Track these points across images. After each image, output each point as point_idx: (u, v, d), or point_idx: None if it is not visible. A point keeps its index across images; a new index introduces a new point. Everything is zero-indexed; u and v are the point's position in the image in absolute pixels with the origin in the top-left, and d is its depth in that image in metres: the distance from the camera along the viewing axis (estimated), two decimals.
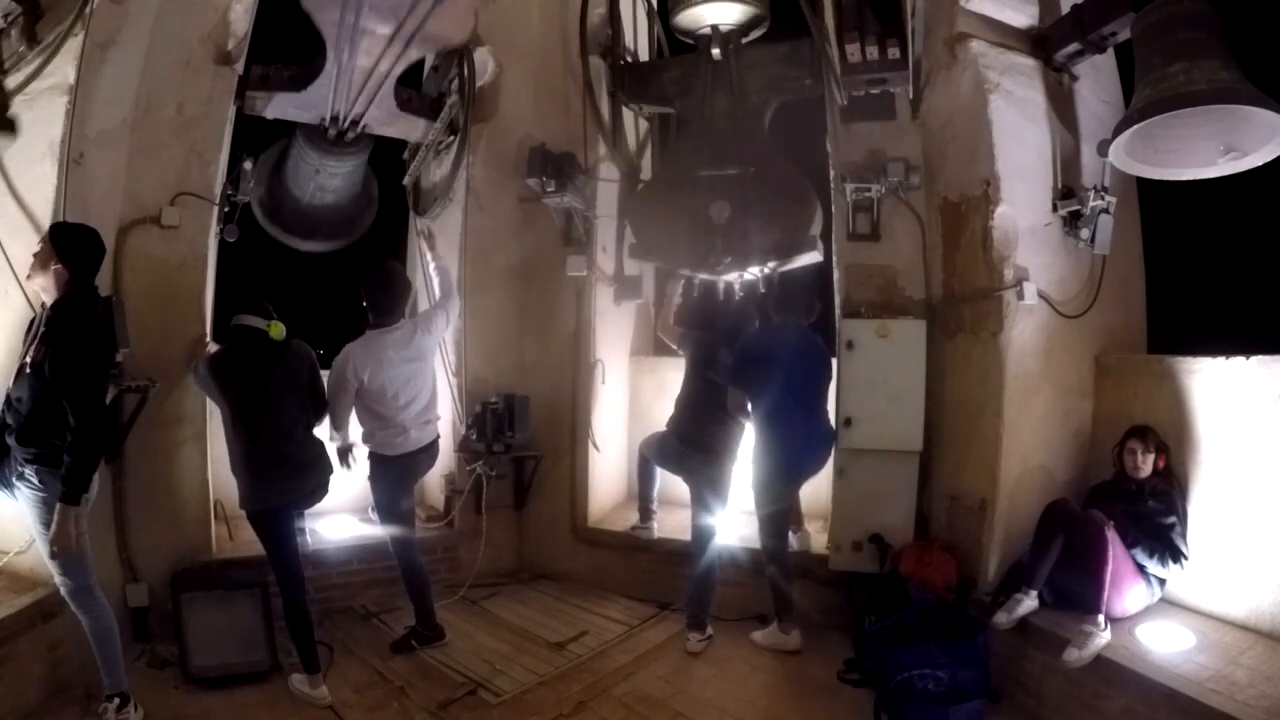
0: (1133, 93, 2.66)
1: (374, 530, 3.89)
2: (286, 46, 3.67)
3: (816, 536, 3.96)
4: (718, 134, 3.76)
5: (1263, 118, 2.37)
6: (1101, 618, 2.67)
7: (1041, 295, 3.25)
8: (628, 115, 4.34)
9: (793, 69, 3.75)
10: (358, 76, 3.57)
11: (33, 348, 2.48)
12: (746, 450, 3.64)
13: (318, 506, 3.37)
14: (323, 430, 3.30)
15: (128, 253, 3.30)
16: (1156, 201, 3.65)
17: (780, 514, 3.54)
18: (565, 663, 3.39)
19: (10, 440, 2.51)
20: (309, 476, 3.13)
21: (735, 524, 3.88)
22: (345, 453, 3.42)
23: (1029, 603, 2.88)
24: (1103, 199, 3.18)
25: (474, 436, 4.17)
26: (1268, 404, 2.76)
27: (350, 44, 3.38)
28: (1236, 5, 2.55)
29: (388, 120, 3.92)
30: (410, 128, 4.07)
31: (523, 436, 4.20)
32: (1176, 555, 2.89)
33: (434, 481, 4.50)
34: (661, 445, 3.89)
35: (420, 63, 4.10)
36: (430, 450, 3.54)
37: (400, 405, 3.34)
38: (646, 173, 4.58)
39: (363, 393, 3.28)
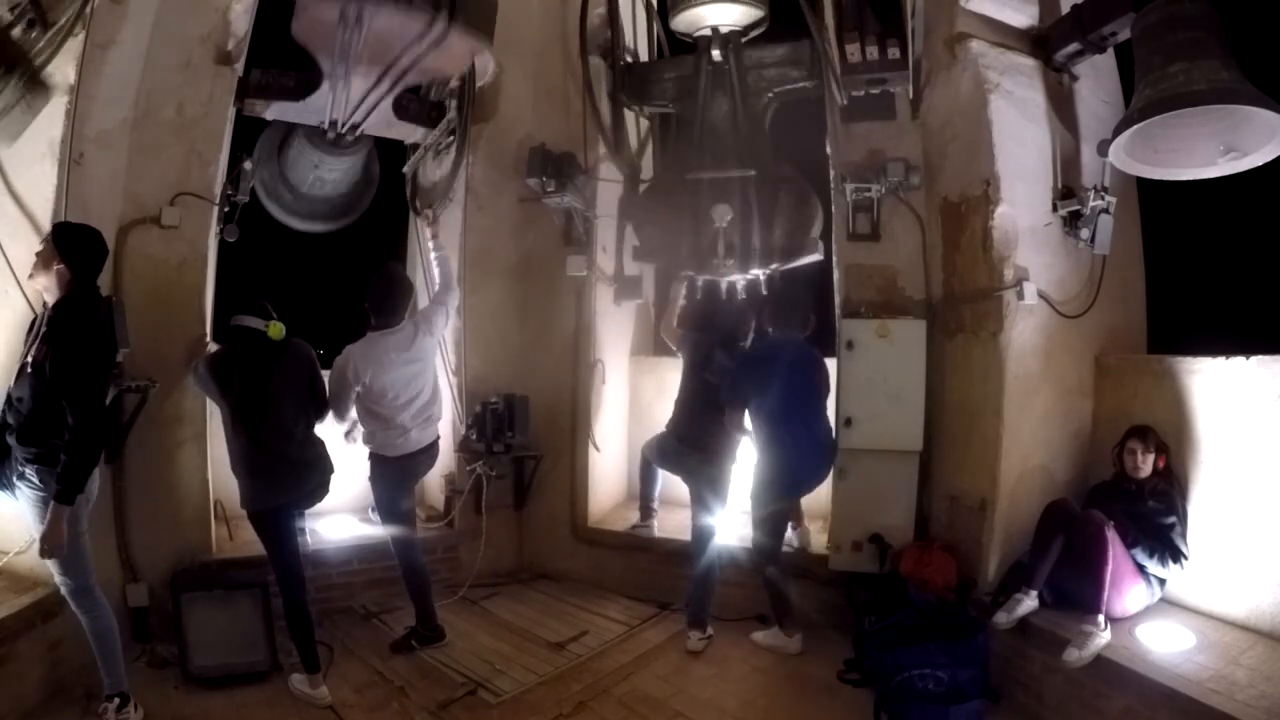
0: (1133, 93, 2.66)
1: (374, 530, 3.90)
2: (286, 48, 3.66)
3: (816, 536, 3.96)
4: (718, 135, 3.76)
5: (1263, 118, 2.37)
6: (1101, 618, 2.67)
7: (1041, 295, 3.25)
8: (628, 115, 4.34)
9: (793, 69, 3.76)
10: (355, 93, 3.59)
11: (34, 347, 2.48)
12: (746, 453, 3.64)
13: (318, 506, 3.37)
14: (324, 427, 3.30)
15: (128, 253, 3.30)
16: (1156, 201, 3.65)
17: (779, 514, 3.53)
18: (565, 663, 3.39)
19: (11, 440, 2.51)
20: (309, 476, 3.13)
21: (735, 524, 3.88)
22: (348, 432, 3.46)
23: (1029, 603, 2.88)
24: (1103, 199, 3.18)
25: (474, 436, 4.17)
26: (1268, 404, 2.76)
27: (345, 77, 3.42)
28: (1236, 5, 2.55)
29: (386, 125, 3.93)
30: (410, 130, 4.08)
31: (523, 436, 4.20)
32: (1176, 555, 2.89)
33: (434, 481, 4.50)
34: (661, 445, 3.90)
35: None
36: (431, 450, 3.54)
37: (400, 405, 3.34)
38: (647, 172, 4.58)
39: (363, 394, 3.28)
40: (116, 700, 2.64)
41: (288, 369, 3.06)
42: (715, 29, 3.68)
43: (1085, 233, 3.26)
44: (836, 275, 3.79)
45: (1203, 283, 3.82)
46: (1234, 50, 2.45)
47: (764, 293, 3.70)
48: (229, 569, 3.48)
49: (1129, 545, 2.84)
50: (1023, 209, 3.24)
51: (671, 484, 4.20)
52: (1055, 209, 3.31)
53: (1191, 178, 2.72)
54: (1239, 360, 2.87)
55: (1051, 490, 3.24)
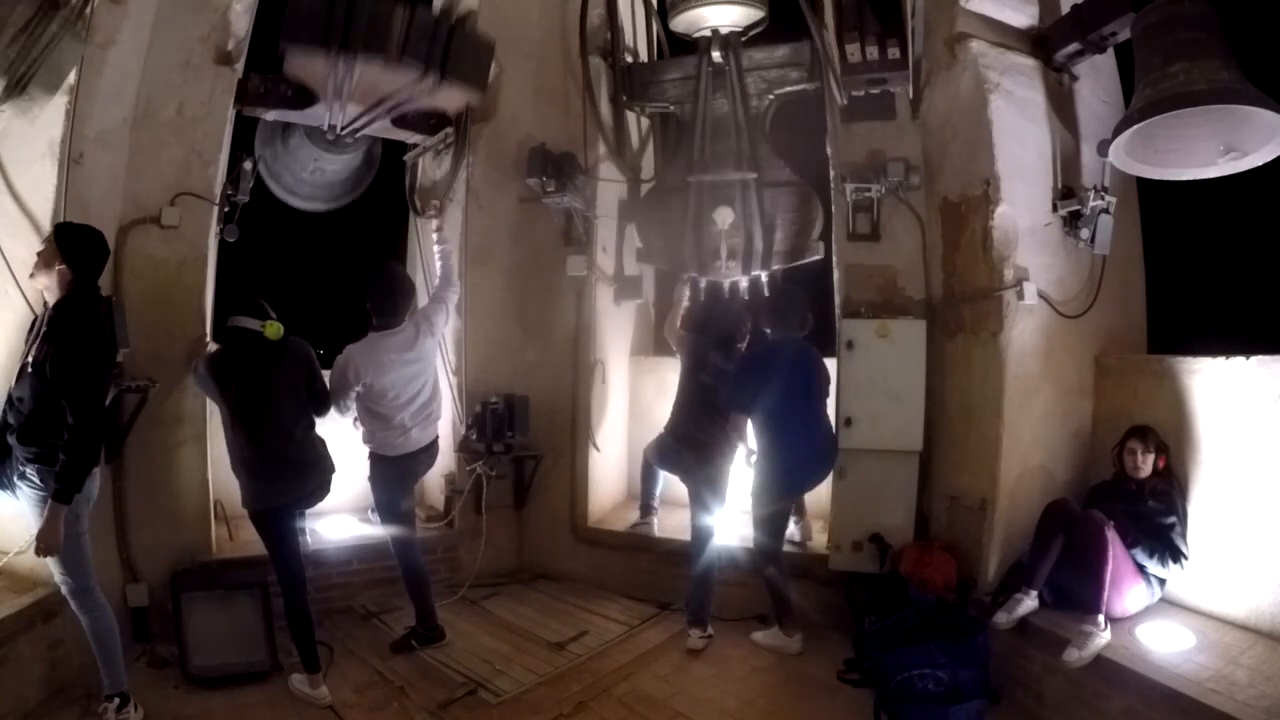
0: (1133, 93, 2.66)
1: (374, 530, 3.90)
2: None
3: (817, 536, 3.96)
4: (719, 136, 3.77)
5: (1263, 118, 2.36)
6: (1101, 618, 2.67)
7: (1041, 295, 3.25)
8: (629, 115, 4.35)
9: (793, 70, 3.76)
10: (352, 112, 3.63)
11: (34, 347, 2.48)
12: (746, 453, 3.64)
13: (318, 506, 3.36)
14: (326, 421, 3.29)
15: (128, 253, 3.30)
16: (1156, 201, 3.65)
17: (779, 514, 3.53)
18: (565, 663, 3.39)
19: (12, 440, 2.51)
20: (309, 476, 3.13)
21: (734, 523, 3.88)
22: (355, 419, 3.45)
23: (1029, 603, 2.88)
24: (1103, 199, 3.18)
25: (474, 436, 4.17)
26: (1268, 404, 2.76)
27: (341, 104, 3.47)
28: (1236, 5, 2.55)
29: (386, 130, 3.94)
30: (409, 133, 4.08)
31: (523, 436, 4.20)
32: (1176, 555, 2.89)
33: (434, 481, 4.50)
34: (660, 445, 3.91)
35: None
36: (430, 450, 3.54)
37: (401, 404, 3.34)
38: (648, 172, 4.59)
39: (363, 394, 3.29)
40: (116, 700, 2.64)
41: (286, 369, 3.05)
42: (715, 29, 3.69)
43: (1085, 233, 3.26)
44: (836, 275, 3.79)
45: (1202, 283, 3.82)
46: (1234, 50, 2.45)
47: (766, 295, 3.71)
48: (229, 569, 3.48)
49: (1129, 545, 2.84)
50: (1023, 209, 3.24)
51: (672, 484, 4.21)
52: (1055, 209, 3.31)
53: (1191, 178, 2.71)
54: (1239, 360, 2.87)
55: (1051, 490, 3.24)
